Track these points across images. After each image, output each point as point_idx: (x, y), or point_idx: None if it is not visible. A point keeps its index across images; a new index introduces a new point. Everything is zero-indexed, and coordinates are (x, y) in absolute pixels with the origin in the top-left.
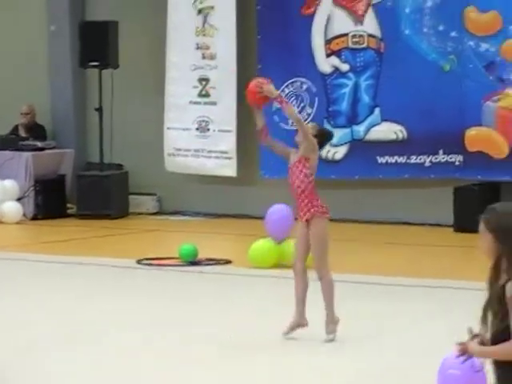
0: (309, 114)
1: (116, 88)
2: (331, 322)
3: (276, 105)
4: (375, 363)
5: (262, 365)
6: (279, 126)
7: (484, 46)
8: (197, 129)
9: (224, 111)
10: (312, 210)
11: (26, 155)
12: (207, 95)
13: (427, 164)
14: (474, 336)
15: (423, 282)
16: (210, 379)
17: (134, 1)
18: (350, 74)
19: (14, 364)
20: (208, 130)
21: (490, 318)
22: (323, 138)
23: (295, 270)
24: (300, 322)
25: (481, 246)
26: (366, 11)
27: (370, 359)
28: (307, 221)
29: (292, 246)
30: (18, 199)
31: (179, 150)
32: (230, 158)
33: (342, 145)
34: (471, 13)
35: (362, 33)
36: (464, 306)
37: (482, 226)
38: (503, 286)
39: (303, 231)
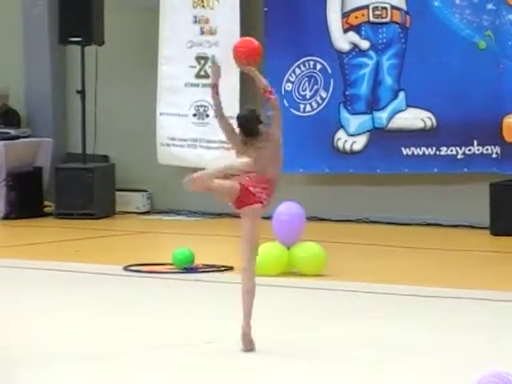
0: (323, 98)
1: (101, 68)
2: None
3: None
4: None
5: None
6: (289, 112)
7: None
8: (194, 115)
9: (226, 95)
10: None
11: None
12: (206, 76)
13: (460, 156)
14: None
15: (454, 293)
16: None
17: None
18: (371, 53)
19: None
20: (207, 116)
21: None
22: (242, 123)
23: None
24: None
25: None
26: None
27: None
28: None
29: (303, 251)
30: None
31: (173, 139)
32: (232, 149)
33: (361, 134)
34: None
35: (384, 5)
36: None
37: None
38: None
39: None
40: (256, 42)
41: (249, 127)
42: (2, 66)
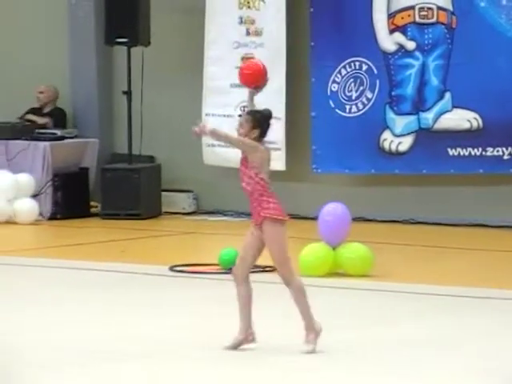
0: (369, 99)
1: (147, 68)
2: (310, 330)
3: None
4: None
5: None
6: (335, 112)
7: None
8: (240, 116)
9: (271, 96)
10: (262, 214)
11: (43, 145)
12: None
13: (506, 157)
14: None
15: (501, 294)
16: None
17: None
18: (417, 53)
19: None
20: None
21: None
22: (265, 123)
23: (236, 277)
24: (245, 338)
25: None
26: None
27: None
28: (259, 225)
29: (349, 252)
30: (34, 196)
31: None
32: (277, 150)
33: (407, 135)
34: None
35: (430, 5)
36: None
37: None
38: None
39: (254, 235)
40: (262, 65)
41: (269, 127)
42: (49, 67)
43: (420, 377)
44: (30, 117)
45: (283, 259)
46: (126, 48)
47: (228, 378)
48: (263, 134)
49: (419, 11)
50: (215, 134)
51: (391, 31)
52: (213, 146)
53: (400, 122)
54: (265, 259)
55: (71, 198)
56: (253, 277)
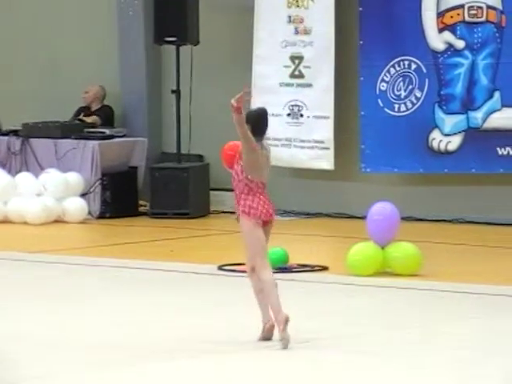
0: (418, 98)
1: (196, 67)
2: (278, 322)
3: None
4: None
5: None
6: (384, 111)
7: None
8: (288, 114)
9: (320, 94)
10: (239, 210)
11: (92, 144)
12: (301, 76)
13: None
14: None
15: None
16: None
17: None
18: (466, 52)
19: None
20: (301, 116)
21: None
22: (258, 121)
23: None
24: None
25: None
26: None
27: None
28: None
29: (398, 251)
30: (83, 195)
31: (268, 138)
32: (326, 149)
33: (456, 134)
34: None
35: (480, 4)
36: None
37: None
38: None
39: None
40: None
41: (266, 124)
42: (98, 66)
43: (468, 378)
44: (82, 117)
45: (253, 252)
46: (174, 47)
47: (275, 377)
48: (256, 130)
49: (468, 10)
50: (239, 117)
51: (440, 30)
52: None
53: (449, 121)
54: (310, 259)
55: (120, 197)
56: (300, 276)
